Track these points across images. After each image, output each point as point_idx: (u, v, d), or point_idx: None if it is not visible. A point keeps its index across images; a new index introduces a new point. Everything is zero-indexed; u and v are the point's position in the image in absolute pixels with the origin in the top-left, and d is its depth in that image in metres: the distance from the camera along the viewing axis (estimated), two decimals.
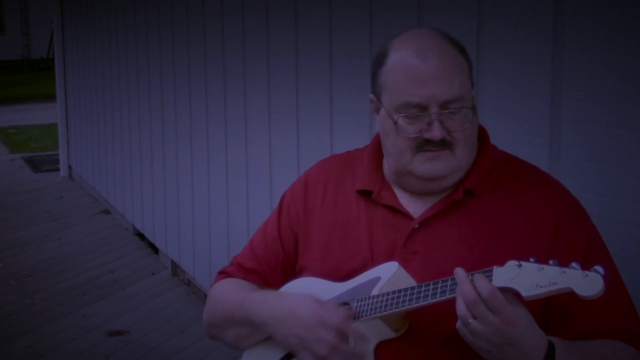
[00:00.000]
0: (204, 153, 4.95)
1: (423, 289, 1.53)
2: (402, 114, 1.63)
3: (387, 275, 1.61)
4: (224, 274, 1.96)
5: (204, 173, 4.98)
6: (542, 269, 1.40)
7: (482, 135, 1.76)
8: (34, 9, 25.50)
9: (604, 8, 2.03)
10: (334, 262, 1.73)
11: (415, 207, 1.70)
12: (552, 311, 1.61)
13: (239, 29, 4.29)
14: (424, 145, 1.63)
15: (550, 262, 1.40)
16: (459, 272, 1.45)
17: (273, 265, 1.87)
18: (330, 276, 1.73)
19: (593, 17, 2.06)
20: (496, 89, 2.39)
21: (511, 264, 1.43)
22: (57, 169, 9.71)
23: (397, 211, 1.71)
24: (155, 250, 6.25)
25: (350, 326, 1.59)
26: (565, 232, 1.63)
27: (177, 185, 5.52)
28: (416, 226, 1.68)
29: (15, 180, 9.46)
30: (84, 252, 6.48)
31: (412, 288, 1.55)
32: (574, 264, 1.38)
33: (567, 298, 1.55)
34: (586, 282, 1.37)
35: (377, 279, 1.62)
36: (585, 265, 1.40)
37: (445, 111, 1.60)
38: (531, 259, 1.41)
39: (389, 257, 1.66)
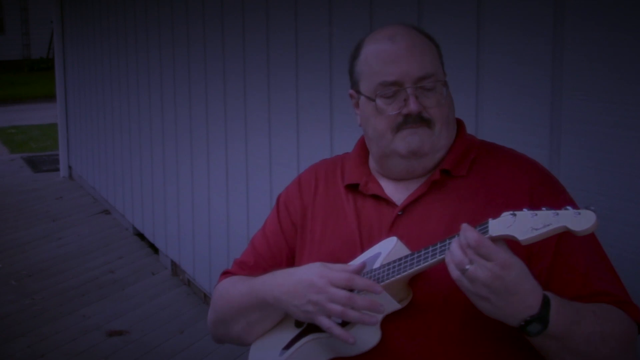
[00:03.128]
0: (203, 152, 4.96)
1: (422, 252, 1.58)
2: (379, 95, 1.71)
3: (387, 249, 1.66)
4: (227, 274, 1.98)
5: (203, 172, 4.98)
6: (536, 214, 1.44)
7: (459, 125, 1.84)
8: (34, 9, 25.51)
9: (605, 8, 2.03)
10: (329, 254, 1.78)
11: (399, 195, 1.78)
12: (536, 278, 1.61)
13: (238, 28, 4.29)
14: (403, 123, 1.71)
15: (543, 208, 1.44)
16: (464, 224, 1.50)
17: (278, 260, 1.90)
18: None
19: (593, 17, 2.06)
20: (496, 89, 2.40)
21: (505, 214, 1.47)
22: (57, 169, 9.71)
23: (382, 199, 1.78)
24: (155, 250, 6.25)
25: (358, 281, 1.62)
26: (541, 201, 1.66)
27: (177, 185, 5.52)
28: (400, 212, 1.75)
29: (15, 180, 9.47)
30: (84, 252, 6.48)
31: (411, 254, 1.61)
32: (566, 207, 1.42)
33: (550, 264, 1.63)
34: (580, 219, 1.40)
35: (378, 255, 1.67)
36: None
37: (419, 85, 1.69)
38: (524, 209, 1.46)
39: (376, 242, 1.72)
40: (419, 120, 1.70)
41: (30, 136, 13.13)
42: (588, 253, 1.66)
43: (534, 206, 1.62)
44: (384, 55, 1.72)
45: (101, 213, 7.72)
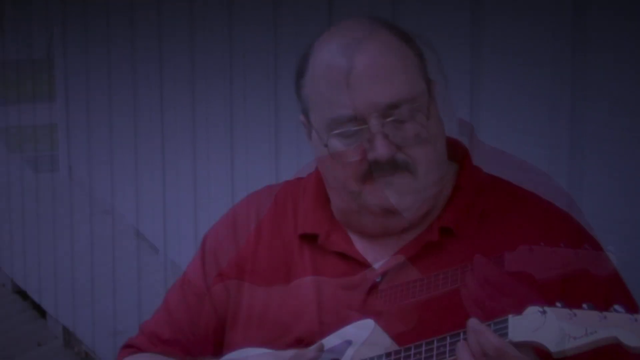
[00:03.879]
0: (204, 153, 4.95)
1: (413, 351, 1.18)
2: (333, 134, 1.27)
3: (361, 338, 1.26)
4: (131, 347, 1.48)
5: (203, 172, 4.97)
6: (575, 314, 1.09)
7: (461, 155, 1.39)
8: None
9: (605, 7, 2.03)
10: (274, 329, 1.35)
11: (375, 253, 1.33)
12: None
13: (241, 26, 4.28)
14: (372, 171, 1.26)
15: (584, 305, 1.11)
16: (473, 321, 1.14)
17: (202, 332, 1.43)
18: (272, 347, 1.33)
19: (594, 16, 2.06)
20: (496, 89, 2.39)
21: (532, 310, 1.12)
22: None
23: (352, 259, 1.33)
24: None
25: None
26: (576, 285, 1.29)
27: (177, 186, 5.51)
28: (378, 279, 1.30)
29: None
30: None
31: (397, 352, 1.20)
32: (616, 307, 1.10)
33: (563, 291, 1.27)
34: (637, 329, 1.06)
35: (348, 343, 1.27)
36: (607, 306, 1.11)
37: (388, 120, 1.24)
38: (558, 303, 1.11)
39: (342, 322, 1.29)
40: (392, 166, 1.24)
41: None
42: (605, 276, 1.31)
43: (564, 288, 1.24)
44: (336, 77, 1.24)
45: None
